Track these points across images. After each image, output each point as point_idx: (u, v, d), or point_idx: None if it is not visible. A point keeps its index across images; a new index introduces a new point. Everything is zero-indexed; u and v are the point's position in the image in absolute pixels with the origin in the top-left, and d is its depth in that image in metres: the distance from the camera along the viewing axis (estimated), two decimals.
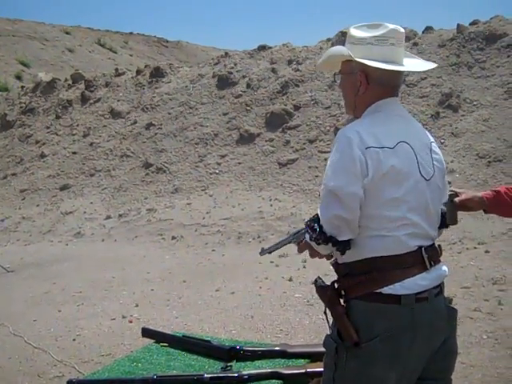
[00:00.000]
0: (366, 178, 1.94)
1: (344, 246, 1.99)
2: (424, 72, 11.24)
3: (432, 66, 2.33)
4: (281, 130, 11.90)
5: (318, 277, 2.13)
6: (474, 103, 10.67)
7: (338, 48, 2.15)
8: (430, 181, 2.07)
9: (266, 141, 11.83)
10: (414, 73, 11.03)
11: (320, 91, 12.25)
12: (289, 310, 5.89)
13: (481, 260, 6.85)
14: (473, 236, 7.64)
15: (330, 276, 2.09)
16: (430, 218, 2.08)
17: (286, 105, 12.32)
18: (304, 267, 7.25)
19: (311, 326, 5.32)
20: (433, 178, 2.08)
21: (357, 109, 2.13)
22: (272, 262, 7.62)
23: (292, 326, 5.43)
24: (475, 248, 7.30)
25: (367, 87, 2.08)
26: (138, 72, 15.91)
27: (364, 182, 1.94)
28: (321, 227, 1.99)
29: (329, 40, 13.94)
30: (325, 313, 2.10)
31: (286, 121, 12.01)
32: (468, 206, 2.25)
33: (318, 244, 2.01)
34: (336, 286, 2.08)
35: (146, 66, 16.43)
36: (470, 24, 12.33)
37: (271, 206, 9.89)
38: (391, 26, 2.08)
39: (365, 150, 1.94)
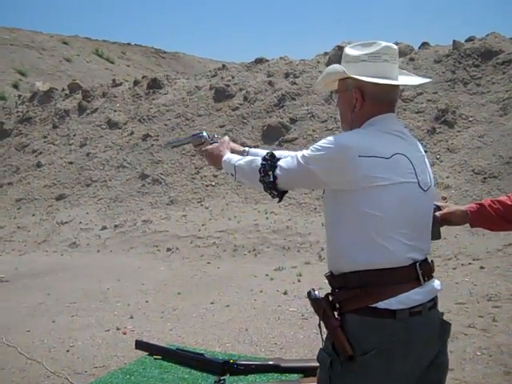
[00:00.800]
0: (352, 181, 1.94)
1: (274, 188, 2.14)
2: (420, 87, 11.31)
3: (426, 80, 2.35)
4: (277, 143, 11.94)
5: (312, 289, 2.11)
6: (470, 119, 10.74)
7: (334, 66, 2.18)
8: (428, 192, 2.07)
9: None
10: (409, 88, 11.10)
11: (316, 105, 12.31)
12: (283, 323, 5.88)
13: (476, 276, 6.86)
14: (468, 252, 7.66)
15: (325, 289, 2.08)
16: (423, 230, 2.08)
17: (282, 118, 12.37)
18: (299, 281, 7.25)
19: (305, 341, 5.31)
20: (430, 189, 2.09)
21: (353, 125, 2.14)
22: (267, 275, 7.62)
23: (286, 339, 5.42)
24: (470, 264, 7.31)
25: (363, 103, 2.10)
26: (136, 83, 15.96)
27: (351, 184, 1.95)
28: (275, 178, 2.10)
29: (326, 54, 14.04)
30: (319, 325, 2.10)
31: (283, 134, 12.07)
32: (451, 220, 2.22)
33: (264, 188, 2.15)
34: (330, 298, 2.09)
35: (143, 77, 16.48)
36: (465, 40, 12.47)
37: (267, 218, 9.90)
38: (384, 44, 2.12)
39: (357, 158, 1.94)
